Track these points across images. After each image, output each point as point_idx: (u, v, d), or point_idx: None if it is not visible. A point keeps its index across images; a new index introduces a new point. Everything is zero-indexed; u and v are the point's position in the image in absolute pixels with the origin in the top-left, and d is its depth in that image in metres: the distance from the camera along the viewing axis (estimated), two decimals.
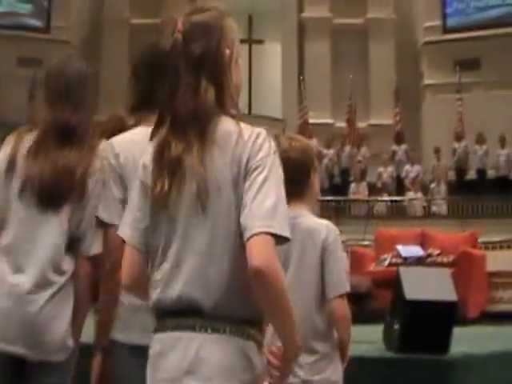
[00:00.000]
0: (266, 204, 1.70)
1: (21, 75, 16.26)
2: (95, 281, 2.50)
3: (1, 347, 2.38)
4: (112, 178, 2.46)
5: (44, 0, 18.27)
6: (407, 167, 15.98)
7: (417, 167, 15.96)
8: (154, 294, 1.80)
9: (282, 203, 1.73)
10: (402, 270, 4.46)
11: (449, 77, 17.27)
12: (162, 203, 1.78)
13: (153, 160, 1.83)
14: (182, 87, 1.81)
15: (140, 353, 2.20)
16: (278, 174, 1.77)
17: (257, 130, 1.82)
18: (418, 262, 9.74)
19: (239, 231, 1.72)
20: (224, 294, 1.73)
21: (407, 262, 9.68)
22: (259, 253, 1.66)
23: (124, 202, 2.38)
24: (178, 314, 1.75)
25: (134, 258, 1.88)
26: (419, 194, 15.29)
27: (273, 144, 1.81)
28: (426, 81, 18.14)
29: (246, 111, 17.72)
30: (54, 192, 2.44)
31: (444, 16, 18.30)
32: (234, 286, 1.74)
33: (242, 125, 1.81)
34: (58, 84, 2.55)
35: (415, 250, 10.11)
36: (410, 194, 15.30)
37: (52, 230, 2.44)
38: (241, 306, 1.75)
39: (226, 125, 1.80)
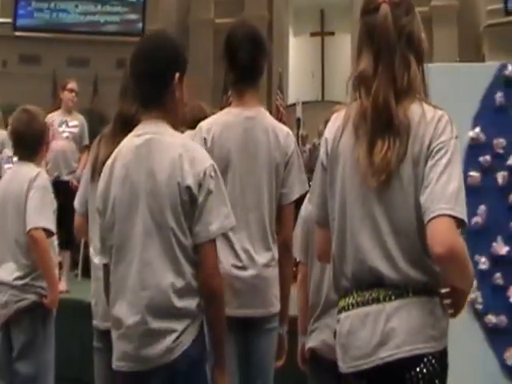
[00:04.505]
0: (450, 187, 1.66)
1: (119, 76, 17.59)
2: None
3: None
4: None
5: (139, 5, 19.43)
6: None
7: None
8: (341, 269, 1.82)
9: (462, 188, 1.69)
10: None
11: (510, 60, 16.97)
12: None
13: (356, 130, 1.81)
14: (397, 60, 1.78)
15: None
16: (459, 159, 1.73)
17: (439, 112, 1.77)
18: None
19: (416, 210, 1.71)
20: (403, 263, 1.73)
21: None
22: (443, 236, 1.63)
23: None
24: (362, 288, 1.76)
25: (326, 236, 1.92)
26: None
27: (454, 128, 1.75)
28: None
29: (320, 98, 19.03)
30: None
31: None
32: (412, 256, 1.73)
33: (425, 106, 1.77)
34: None
35: None
36: None
37: None
38: (420, 270, 1.73)
39: (409, 105, 1.77)
